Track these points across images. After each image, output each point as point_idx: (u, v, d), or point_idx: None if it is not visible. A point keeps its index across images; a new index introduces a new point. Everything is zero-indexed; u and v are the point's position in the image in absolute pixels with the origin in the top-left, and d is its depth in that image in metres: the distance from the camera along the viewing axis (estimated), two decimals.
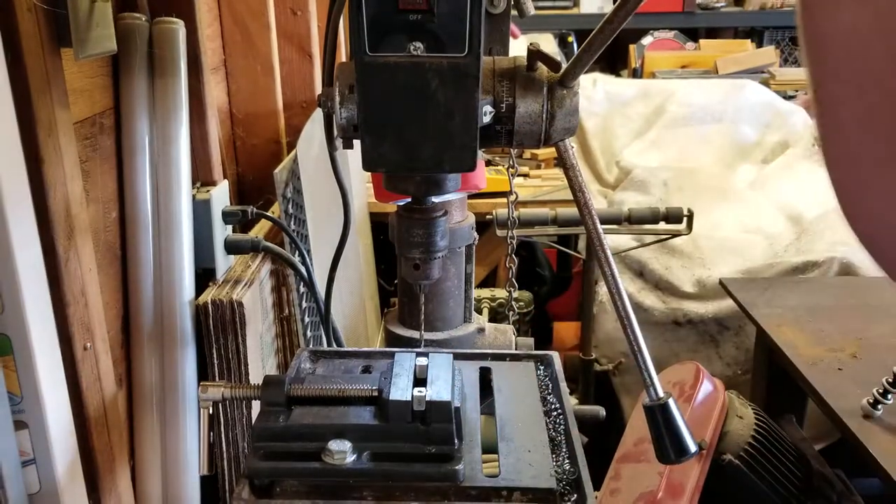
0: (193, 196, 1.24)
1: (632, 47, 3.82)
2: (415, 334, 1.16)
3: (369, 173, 1.48)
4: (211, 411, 0.89)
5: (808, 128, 2.76)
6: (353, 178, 1.95)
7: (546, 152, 2.69)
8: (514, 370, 1.01)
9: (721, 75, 3.43)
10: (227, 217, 1.32)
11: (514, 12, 0.88)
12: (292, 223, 1.48)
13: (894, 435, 1.44)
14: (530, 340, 1.29)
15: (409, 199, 0.85)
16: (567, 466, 0.80)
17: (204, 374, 1.25)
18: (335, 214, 1.59)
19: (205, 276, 1.29)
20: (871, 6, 0.33)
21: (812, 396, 1.64)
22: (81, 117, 1.04)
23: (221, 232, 1.31)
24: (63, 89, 0.91)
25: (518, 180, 2.37)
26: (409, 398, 0.77)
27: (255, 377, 1.30)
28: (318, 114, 1.63)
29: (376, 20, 0.69)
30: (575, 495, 0.76)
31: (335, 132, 0.77)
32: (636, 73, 3.69)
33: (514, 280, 1.80)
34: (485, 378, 0.97)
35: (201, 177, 1.32)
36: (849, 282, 2.13)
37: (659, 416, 0.72)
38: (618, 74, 3.73)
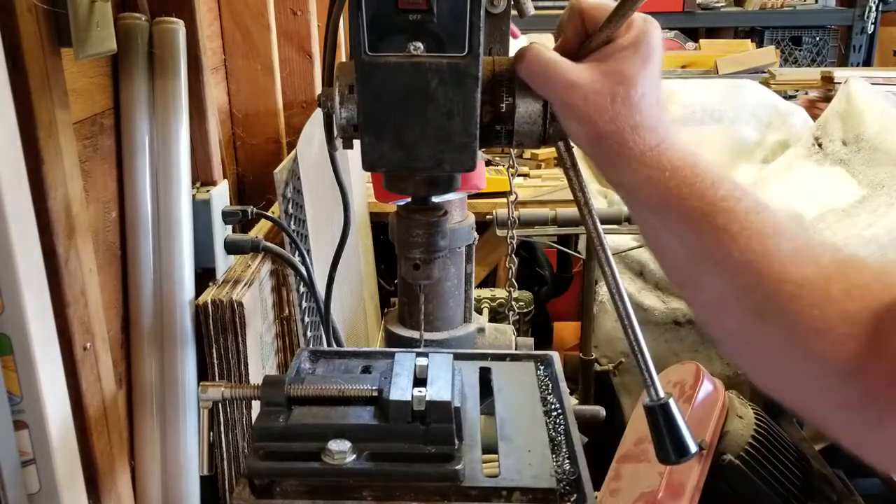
0: (193, 196, 1.24)
1: None
2: (415, 334, 1.16)
3: (369, 173, 1.48)
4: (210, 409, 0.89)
5: (808, 128, 2.76)
6: (353, 178, 1.95)
7: (546, 152, 2.69)
8: (514, 370, 1.01)
9: (721, 75, 3.43)
10: (226, 217, 1.32)
11: (514, 12, 0.88)
12: (292, 223, 1.48)
13: None
14: (530, 340, 1.29)
15: (409, 199, 0.85)
16: (567, 466, 0.80)
17: (204, 374, 1.25)
18: (335, 214, 1.59)
19: (205, 276, 1.29)
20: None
21: None
22: (81, 117, 1.04)
23: (221, 232, 1.31)
24: (63, 89, 0.91)
25: (518, 180, 2.37)
26: (409, 398, 0.78)
27: (255, 377, 1.30)
28: (318, 114, 1.63)
29: (376, 20, 0.69)
30: (575, 495, 0.76)
31: (335, 132, 0.77)
32: None
33: (514, 280, 1.80)
34: (485, 378, 0.97)
35: (201, 177, 1.32)
36: None
37: (659, 417, 0.72)
38: None
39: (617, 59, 0.68)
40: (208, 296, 1.23)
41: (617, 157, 0.68)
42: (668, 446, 0.72)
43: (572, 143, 0.75)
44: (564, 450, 0.83)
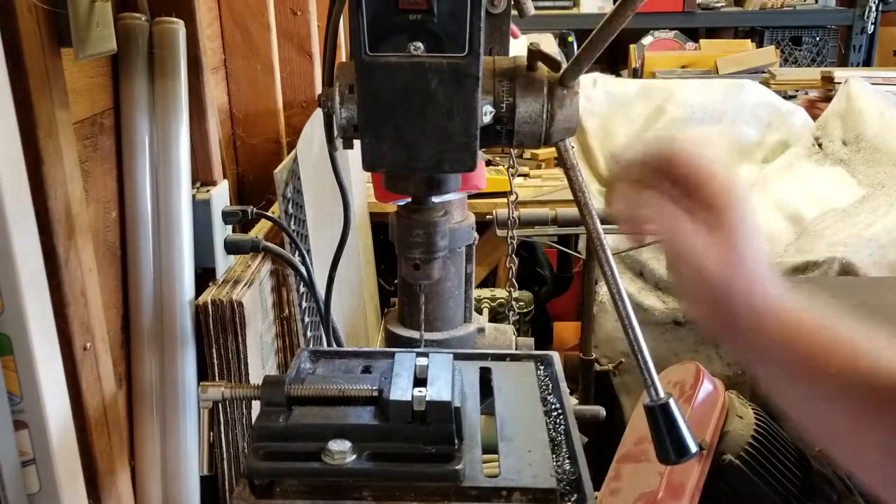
0: (193, 196, 1.24)
1: (632, 47, 3.81)
2: (415, 334, 1.16)
3: (369, 173, 1.48)
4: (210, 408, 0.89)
5: (808, 128, 2.76)
6: (353, 178, 1.95)
7: (546, 152, 2.69)
8: (514, 370, 1.01)
9: (721, 75, 3.43)
10: (226, 217, 1.32)
11: (514, 12, 0.89)
12: (292, 223, 1.48)
13: None
14: (530, 340, 1.29)
15: (409, 199, 0.85)
16: (567, 466, 0.80)
17: (204, 374, 1.25)
18: (335, 214, 1.59)
19: (205, 276, 1.29)
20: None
21: None
22: (81, 117, 1.04)
23: (221, 232, 1.31)
24: (63, 89, 0.91)
25: (518, 180, 2.37)
26: (410, 398, 0.77)
27: (255, 377, 1.30)
28: (318, 114, 1.63)
29: (376, 20, 0.69)
30: (575, 495, 0.76)
31: (335, 132, 0.77)
32: (636, 74, 3.68)
33: (514, 280, 1.80)
34: (485, 378, 0.97)
35: (201, 177, 1.32)
36: (849, 282, 2.13)
37: (659, 417, 0.72)
38: (618, 74, 3.72)
39: (728, 230, 0.67)
40: (208, 296, 1.23)
41: (747, 325, 0.67)
42: (668, 446, 0.72)
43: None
44: (564, 450, 0.83)
